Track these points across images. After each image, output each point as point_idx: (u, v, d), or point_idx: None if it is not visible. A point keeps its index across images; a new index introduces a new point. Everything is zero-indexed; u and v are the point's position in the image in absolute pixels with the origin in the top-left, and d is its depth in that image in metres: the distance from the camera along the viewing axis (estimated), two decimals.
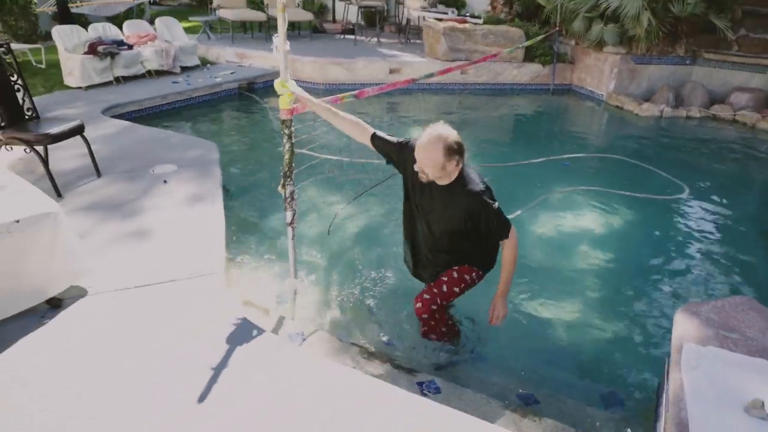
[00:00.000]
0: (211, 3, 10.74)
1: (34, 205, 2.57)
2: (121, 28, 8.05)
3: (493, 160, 5.87)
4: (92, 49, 7.13)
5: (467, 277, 2.76)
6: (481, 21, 9.46)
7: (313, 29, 11.72)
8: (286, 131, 2.92)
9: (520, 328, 3.20)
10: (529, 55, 9.30)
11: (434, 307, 2.73)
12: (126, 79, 7.60)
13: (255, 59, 9.00)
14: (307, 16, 10.76)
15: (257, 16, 10.19)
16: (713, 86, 8.86)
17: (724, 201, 5.25)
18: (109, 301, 2.73)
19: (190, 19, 10.46)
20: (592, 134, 7.90)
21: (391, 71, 8.70)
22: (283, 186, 3.01)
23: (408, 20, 11.25)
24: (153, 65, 7.88)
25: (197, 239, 3.35)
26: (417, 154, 2.40)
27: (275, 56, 2.79)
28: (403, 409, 2.16)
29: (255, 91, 8.23)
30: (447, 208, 2.58)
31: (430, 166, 2.38)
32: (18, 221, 2.45)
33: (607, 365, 3.00)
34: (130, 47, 7.71)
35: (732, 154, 6.92)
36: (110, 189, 4.03)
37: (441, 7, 11.47)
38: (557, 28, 9.09)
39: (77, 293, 2.76)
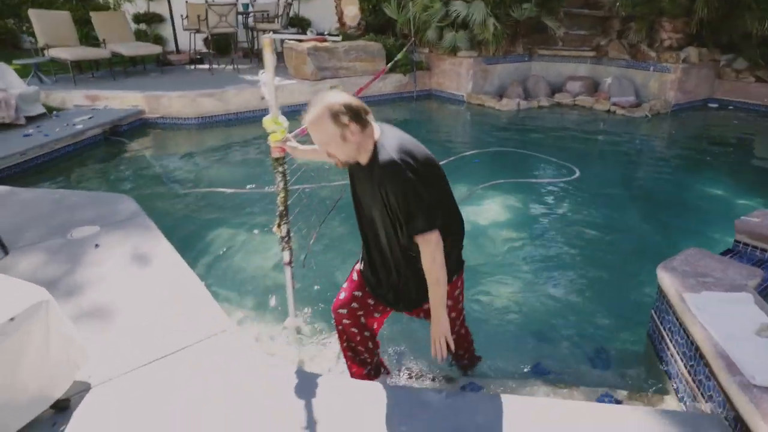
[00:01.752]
0: (35, 43, 9.56)
1: (20, 296, 2.15)
2: None
3: None
4: None
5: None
6: (339, 38, 9.64)
7: (157, 62, 11.00)
8: (280, 169, 2.78)
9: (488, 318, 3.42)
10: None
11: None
12: None
13: (110, 100, 8.21)
14: (155, 48, 10.07)
15: (99, 53, 9.29)
16: (550, 78, 10.07)
17: (605, 175, 6.06)
18: (121, 387, 2.37)
19: (13, 62, 9.18)
20: (466, 132, 8.54)
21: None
22: (279, 226, 2.86)
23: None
24: None
25: (184, 302, 3.03)
26: (312, 138, 2.11)
27: (263, 92, 2.65)
28: (490, 408, 2.20)
29: (121, 134, 7.53)
30: (368, 192, 2.19)
31: (330, 143, 2.06)
32: (13, 319, 2.03)
33: (587, 328, 3.33)
34: None
35: (588, 134, 7.98)
36: (30, 266, 3.43)
37: (290, 29, 11.50)
38: (413, 39, 9.63)
39: (80, 388, 2.36)
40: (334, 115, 2.00)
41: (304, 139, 2.71)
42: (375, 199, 2.13)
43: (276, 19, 10.93)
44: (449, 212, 2.28)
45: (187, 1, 10.80)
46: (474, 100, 9.48)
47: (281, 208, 2.84)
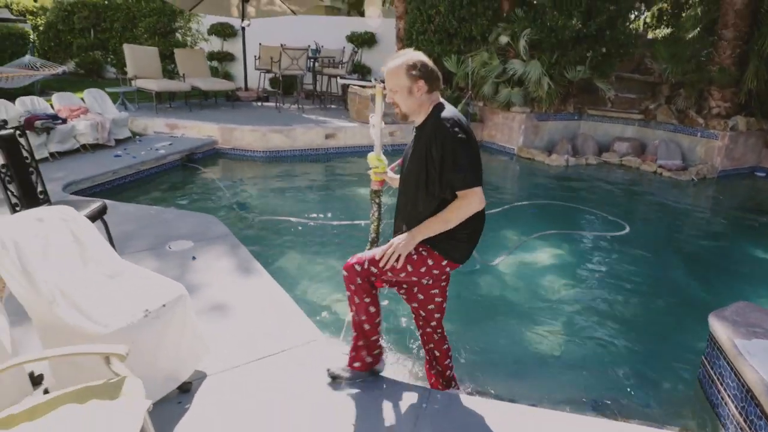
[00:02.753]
0: (125, 74, 10.47)
1: (166, 288, 2.58)
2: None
3: None
4: (29, 124, 6.71)
5: (422, 255, 2.44)
6: None
7: (227, 97, 11.83)
8: (377, 200, 3.20)
9: (535, 359, 3.70)
10: None
11: (357, 268, 2.47)
12: (61, 154, 7.19)
13: (187, 129, 8.92)
14: (229, 85, 10.89)
15: (180, 86, 10.13)
16: (598, 137, 10.42)
17: (653, 233, 6.32)
18: (230, 379, 2.76)
19: (106, 90, 10.07)
20: (516, 183, 8.90)
21: (327, 136, 9.12)
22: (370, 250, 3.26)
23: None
24: (88, 139, 7.54)
25: (276, 311, 3.44)
26: (386, 83, 2.40)
27: (372, 133, 3.09)
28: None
29: (196, 161, 8.17)
30: (415, 148, 2.44)
31: (397, 90, 2.34)
32: (164, 305, 2.46)
33: (638, 370, 3.58)
34: (64, 121, 7.34)
35: (635, 193, 8.25)
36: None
37: (353, 75, 12.23)
38: (470, 92, 10.17)
39: (199, 376, 2.75)
40: (410, 68, 2.31)
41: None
42: (419, 157, 2.36)
43: (341, 65, 11.67)
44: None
45: (260, 44, 11.66)
46: (524, 154, 9.88)
47: (373, 235, 3.23)
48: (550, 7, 9.67)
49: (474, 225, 2.45)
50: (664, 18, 11.56)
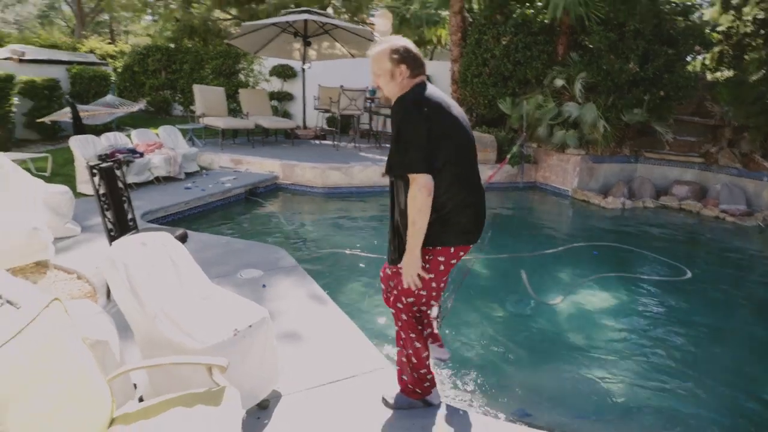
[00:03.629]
0: (192, 112, 11.15)
1: (251, 310, 2.79)
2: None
3: (504, 251, 6.53)
4: (112, 158, 7.24)
5: (431, 260, 2.52)
6: None
7: (286, 135, 12.36)
8: None
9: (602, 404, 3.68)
10: (500, 157, 10.39)
11: (400, 305, 2.63)
12: (137, 185, 7.70)
13: (251, 165, 9.38)
14: (290, 123, 11.42)
15: (245, 124, 10.69)
16: (656, 180, 10.30)
17: (716, 280, 6.18)
18: (307, 400, 2.92)
19: (177, 127, 10.75)
20: (570, 225, 8.88)
21: (383, 175, 9.37)
22: None
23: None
24: (161, 172, 8.05)
25: (343, 338, 3.60)
26: (371, 67, 2.46)
27: None
28: None
29: (258, 195, 8.56)
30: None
31: (380, 74, 2.42)
32: (251, 326, 2.66)
33: (702, 418, 3.52)
34: (141, 155, 7.88)
35: (696, 238, 8.09)
36: None
37: None
38: (524, 134, 10.31)
39: (276, 395, 2.93)
40: (392, 53, 2.37)
41: None
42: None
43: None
44: (456, 174, 2.40)
45: (319, 85, 12.20)
46: (579, 196, 9.86)
47: None
48: (606, 51, 9.79)
49: (458, 198, 2.44)
50: (725, 60, 11.45)
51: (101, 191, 3.96)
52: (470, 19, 11.59)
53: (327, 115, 12.91)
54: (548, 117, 10.04)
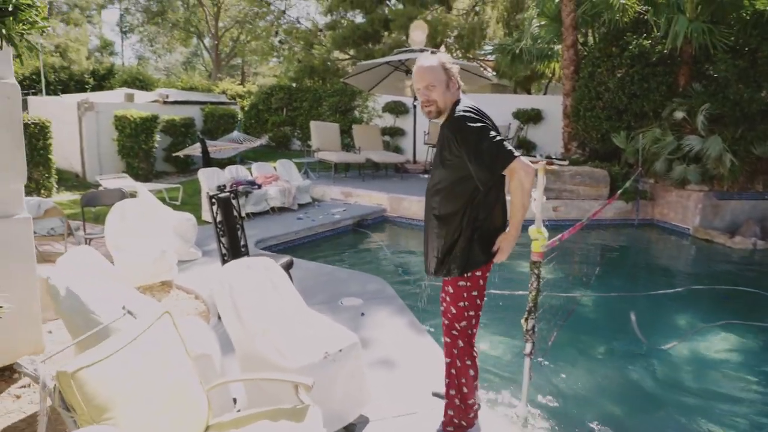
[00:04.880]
0: (309, 147, 11.86)
1: (343, 335, 2.93)
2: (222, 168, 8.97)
3: (613, 289, 6.18)
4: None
5: (458, 286, 2.64)
6: (566, 162, 10.24)
7: (396, 169, 12.71)
8: (536, 272, 3.31)
9: None
10: (613, 193, 9.93)
11: (455, 332, 2.72)
12: (254, 215, 8.31)
13: (360, 197, 9.76)
14: (400, 158, 11.77)
15: (357, 159, 11.18)
16: None
17: None
18: (393, 427, 2.98)
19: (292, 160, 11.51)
20: (691, 265, 8.21)
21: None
22: (526, 320, 3.35)
23: None
24: (276, 203, 8.63)
25: (435, 369, 3.64)
26: (420, 79, 2.52)
27: (533, 206, 3.25)
28: None
29: (366, 226, 8.86)
30: (438, 154, 2.65)
31: (437, 87, 2.49)
32: (341, 350, 2.80)
33: None
34: (259, 186, 8.52)
35: None
36: None
37: (519, 151, 12.44)
38: (640, 169, 9.79)
39: (363, 420, 3.02)
40: (447, 66, 2.52)
41: None
42: (441, 152, 2.57)
43: (506, 141, 11.99)
44: (497, 195, 2.64)
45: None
46: (701, 235, 9.12)
47: (531, 304, 3.34)
48: (734, 80, 9.10)
49: (498, 221, 2.66)
50: None
51: (218, 219, 4.37)
52: (584, 52, 11.34)
53: (433, 150, 13.13)
54: (667, 151, 9.46)
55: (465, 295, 2.66)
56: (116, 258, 5.01)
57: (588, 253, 8.34)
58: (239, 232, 4.63)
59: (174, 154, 11.67)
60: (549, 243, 3.52)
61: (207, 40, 31.18)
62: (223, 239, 4.39)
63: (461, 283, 2.65)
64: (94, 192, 6.14)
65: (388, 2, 16.30)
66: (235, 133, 12.51)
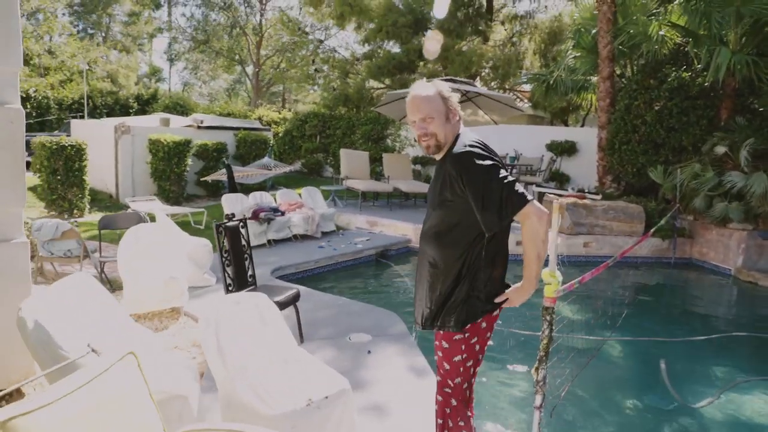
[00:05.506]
0: (334, 173, 11.84)
1: (331, 380, 2.74)
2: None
3: (643, 333, 5.79)
4: (255, 215, 7.89)
5: (454, 340, 2.37)
6: (599, 197, 9.89)
7: (424, 199, 12.55)
8: (548, 318, 3.06)
9: None
10: (648, 229, 9.49)
11: (448, 390, 2.46)
12: (276, 242, 8.25)
13: (385, 227, 9.60)
14: (425, 187, 11.60)
15: (385, 188, 11.07)
16: None
17: None
18: None
19: (320, 187, 11.48)
20: (733, 310, 7.71)
21: (518, 243, 8.99)
22: (537, 369, 3.09)
23: None
24: (299, 230, 8.55)
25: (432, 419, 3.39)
26: (415, 110, 2.28)
27: (547, 249, 3.02)
28: None
29: (389, 257, 8.67)
30: (436, 189, 2.35)
31: (435, 119, 2.25)
32: (327, 397, 2.60)
33: None
34: (283, 213, 8.47)
35: None
36: (320, 357, 4.21)
37: (550, 184, 12.15)
38: (677, 205, 9.34)
39: None
40: (441, 92, 2.29)
41: None
42: (441, 192, 2.28)
43: (538, 173, 11.71)
44: (500, 243, 2.34)
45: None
46: (744, 276, 8.58)
47: (542, 353, 3.08)
48: None
49: (498, 271, 2.39)
50: None
51: (225, 247, 4.27)
52: (621, 84, 11.04)
53: None
54: (707, 187, 9.00)
55: (463, 347, 2.37)
56: (126, 282, 4.97)
57: (617, 293, 7.92)
58: (246, 262, 4.52)
59: (202, 179, 11.82)
60: (565, 287, 3.28)
61: (249, 68, 32.06)
62: (228, 269, 4.29)
63: (457, 336, 2.36)
64: (111, 215, 6.17)
65: (424, 33, 16.35)
66: (266, 159, 12.61)
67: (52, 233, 5.47)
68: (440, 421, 2.54)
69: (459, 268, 2.31)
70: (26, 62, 21.94)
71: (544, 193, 10.31)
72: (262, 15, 28.65)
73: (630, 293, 7.97)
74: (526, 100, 17.07)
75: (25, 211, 10.39)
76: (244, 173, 11.17)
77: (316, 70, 17.63)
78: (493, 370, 4.83)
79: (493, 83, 16.61)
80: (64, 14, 32.63)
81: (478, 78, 16.52)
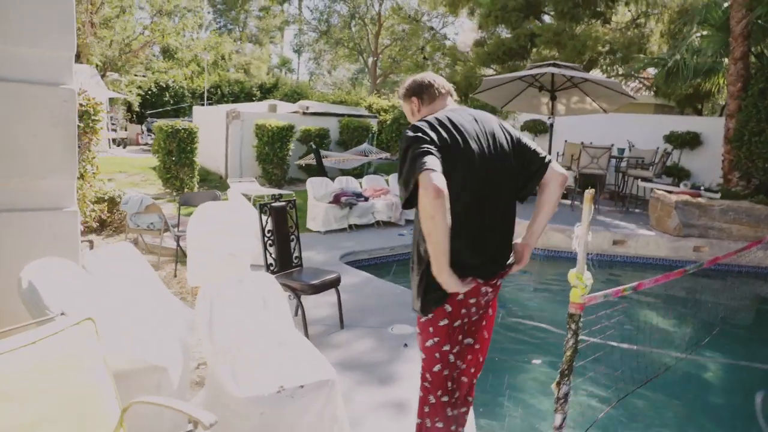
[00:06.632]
0: None
1: (314, 369, 2.61)
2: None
3: (736, 356, 4.98)
4: (336, 200, 7.96)
5: (421, 323, 2.24)
6: (718, 195, 8.74)
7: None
8: (573, 326, 2.69)
9: None
10: None
11: (427, 384, 2.29)
12: (358, 227, 8.26)
13: None
14: None
15: None
16: None
17: None
18: None
19: None
20: None
21: (615, 242, 8.26)
22: (558, 384, 2.72)
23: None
24: (382, 216, 8.50)
25: None
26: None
27: (574, 245, 2.65)
28: None
29: None
30: None
31: (409, 117, 2.37)
32: (302, 386, 2.47)
33: None
34: (366, 199, 8.46)
35: None
36: (356, 346, 4.12)
37: (663, 179, 10.97)
38: None
39: None
40: (405, 93, 2.36)
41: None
42: None
43: (650, 167, 10.61)
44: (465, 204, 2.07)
45: (566, 141, 11.52)
46: None
47: (565, 366, 2.71)
48: None
49: (466, 238, 2.13)
50: None
51: (267, 228, 4.30)
52: (758, 65, 9.61)
53: (572, 174, 12.08)
54: None
55: (431, 329, 2.19)
56: (190, 255, 5.20)
57: (713, 304, 6.92)
58: (293, 243, 4.52)
59: (296, 163, 12.21)
60: (609, 292, 2.88)
61: (368, 58, 32.66)
62: (270, 249, 4.31)
63: (423, 319, 2.21)
64: (190, 193, 6.53)
65: (536, 17, 15.47)
66: (364, 145, 12.69)
67: (137, 207, 5.90)
68: (419, 421, 2.33)
69: (416, 248, 2.17)
70: (170, 56, 24.15)
71: (653, 188, 9.30)
72: (380, 4, 28.96)
73: (730, 307, 6.94)
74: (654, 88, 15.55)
75: (145, 188, 11.32)
76: (339, 158, 11.34)
77: (425, 57, 17.42)
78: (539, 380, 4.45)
79: (611, 69, 15.26)
80: (209, 12, 35.51)
81: (597, 71, 15.31)
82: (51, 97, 3.39)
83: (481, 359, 2.44)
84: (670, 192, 8.86)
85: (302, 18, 35.45)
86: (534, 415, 3.86)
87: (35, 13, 3.23)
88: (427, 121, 2.08)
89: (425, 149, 1.95)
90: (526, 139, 2.37)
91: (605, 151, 10.01)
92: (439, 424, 2.25)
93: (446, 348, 2.20)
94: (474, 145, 2.09)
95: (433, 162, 1.89)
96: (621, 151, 10.88)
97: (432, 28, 22.62)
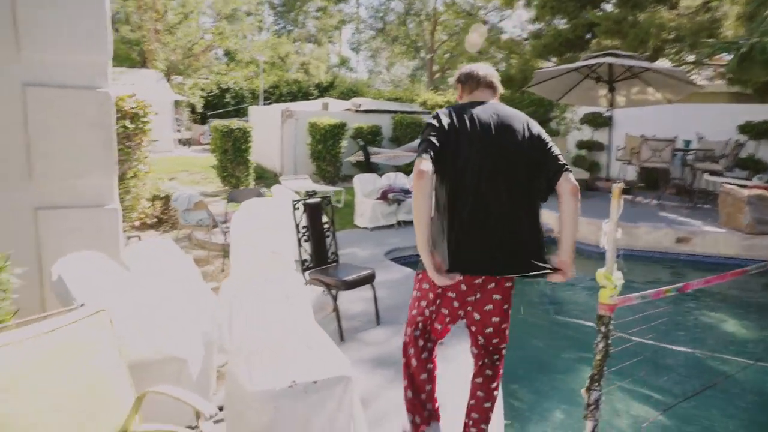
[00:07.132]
0: None
1: (329, 365, 2.56)
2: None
3: None
4: (383, 196, 7.93)
5: (414, 276, 2.66)
6: None
7: (585, 186, 11.47)
8: (602, 329, 2.52)
9: None
10: None
11: (408, 325, 2.68)
12: (406, 223, 8.20)
13: None
14: (583, 174, 10.59)
15: None
16: None
17: None
18: None
19: None
20: None
21: (679, 240, 7.79)
22: (588, 390, 2.56)
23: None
24: None
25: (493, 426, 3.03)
26: None
27: (602, 242, 2.49)
28: None
29: None
30: None
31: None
32: (315, 382, 2.43)
33: None
34: None
35: None
36: (391, 342, 4.06)
37: (736, 171, 10.27)
38: None
39: None
40: (455, 80, 2.61)
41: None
42: None
43: (720, 160, 9.94)
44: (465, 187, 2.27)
45: (627, 134, 10.99)
46: None
47: (595, 371, 2.55)
48: None
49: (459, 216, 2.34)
50: None
51: (302, 224, 4.31)
52: None
53: (635, 167, 11.53)
54: None
55: (416, 285, 2.64)
56: (233, 251, 5.31)
57: None
58: (328, 239, 4.52)
59: (347, 159, 12.28)
60: (649, 293, 2.70)
61: (426, 54, 32.46)
62: (305, 244, 4.32)
63: (415, 274, 2.67)
64: (237, 190, 6.68)
65: (596, 6, 14.81)
66: (416, 142, 12.58)
67: (186, 204, 6.08)
68: (404, 360, 2.68)
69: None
70: (232, 58, 24.91)
71: (722, 182, 8.70)
72: (436, 0, 28.70)
73: None
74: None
75: (205, 185, 11.67)
76: (389, 155, 11.30)
77: (479, 52, 17.10)
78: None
79: (678, 57, 14.35)
80: (270, 15, 36.35)
81: (664, 59, 14.46)
82: (88, 101, 3.52)
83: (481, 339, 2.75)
84: (742, 186, 8.27)
85: (359, 16, 35.66)
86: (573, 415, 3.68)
87: (71, 21, 3.36)
88: (449, 109, 2.38)
89: (430, 138, 2.26)
90: (549, 140, 2.50)
91: (668, 144, 9.47)
92: (411, 352, 2.63)
93: (423, 304, 2.57)
94: (480, 133, 2.29)
95: (431, 147, 2.20)
96: (687, 143, 10.27)
97: (486, 22, 22.19)
